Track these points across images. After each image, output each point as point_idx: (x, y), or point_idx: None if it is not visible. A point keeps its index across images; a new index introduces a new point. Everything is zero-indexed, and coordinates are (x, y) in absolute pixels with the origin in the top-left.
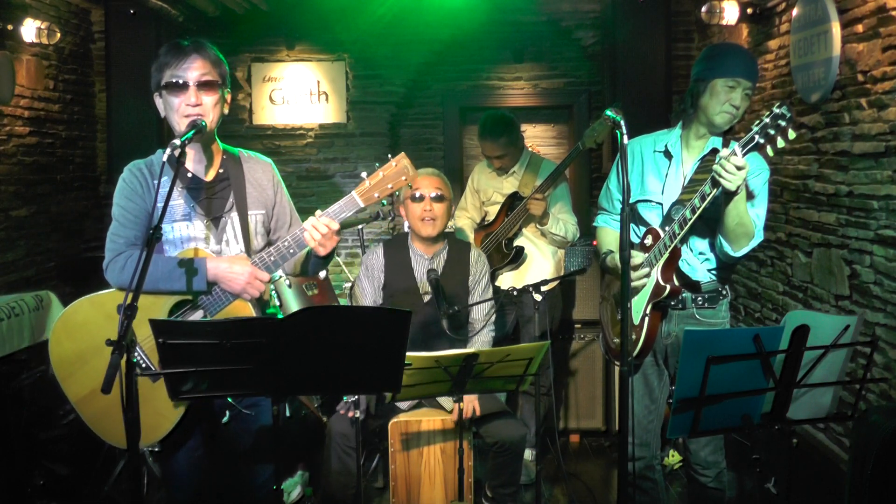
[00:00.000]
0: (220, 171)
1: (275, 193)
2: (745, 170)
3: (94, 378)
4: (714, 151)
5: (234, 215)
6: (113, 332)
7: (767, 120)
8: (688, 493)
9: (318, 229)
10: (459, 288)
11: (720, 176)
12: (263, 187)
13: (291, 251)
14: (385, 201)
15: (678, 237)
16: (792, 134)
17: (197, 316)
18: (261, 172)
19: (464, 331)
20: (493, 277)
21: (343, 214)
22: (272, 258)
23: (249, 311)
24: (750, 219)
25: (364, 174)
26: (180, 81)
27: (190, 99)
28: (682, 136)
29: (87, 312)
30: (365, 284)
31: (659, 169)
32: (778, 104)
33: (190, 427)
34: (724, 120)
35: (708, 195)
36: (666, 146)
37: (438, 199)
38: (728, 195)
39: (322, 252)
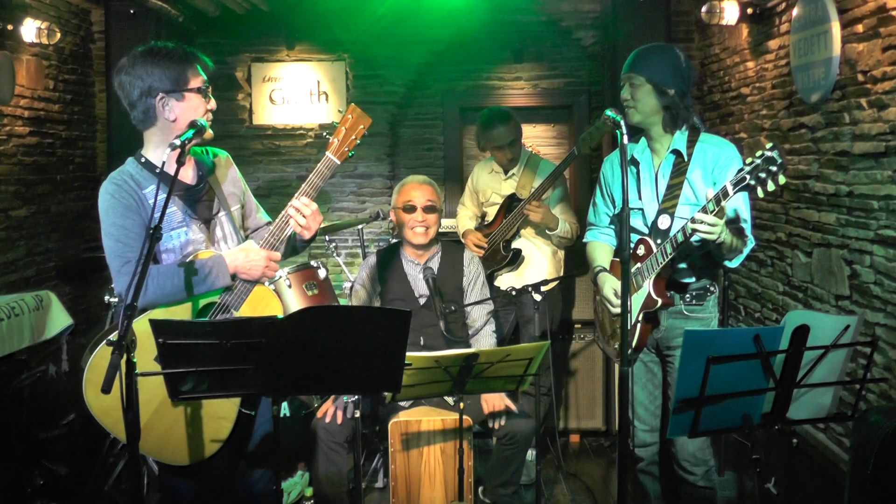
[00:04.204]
0: (199, 173)
1: (243, 184)
2: (722, 222)
3: (144, 416)
4: (676, 153)
5: (222, 215)
6: (145, 363)
7: (759, 162)
8: (679, 495)
9: (302, 211)
10: (455, 290)
11: (698, 232)
12: (235, 181)
13: (290, 225)
14: (348, 150)
15: (669, 257)
16: (782, 179)
17: (226, 316)
18: (227, 167)
19: (461, 332)
20: (491, 278)
21: (325, 178)
22: (274, 238)
23: (272, 294)
24: (739, 241)
25: (326, 134)
26: (204, 87)
27: (213, 104)
28: (647, 143)
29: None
30: (361, 294)
31: (631, 178)
32: (770, 146)
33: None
34: (631, 116)
35: (689, 235)
36: (632, 156)
37: (430, 209)
38: (715, 243)
39: (307, 235)
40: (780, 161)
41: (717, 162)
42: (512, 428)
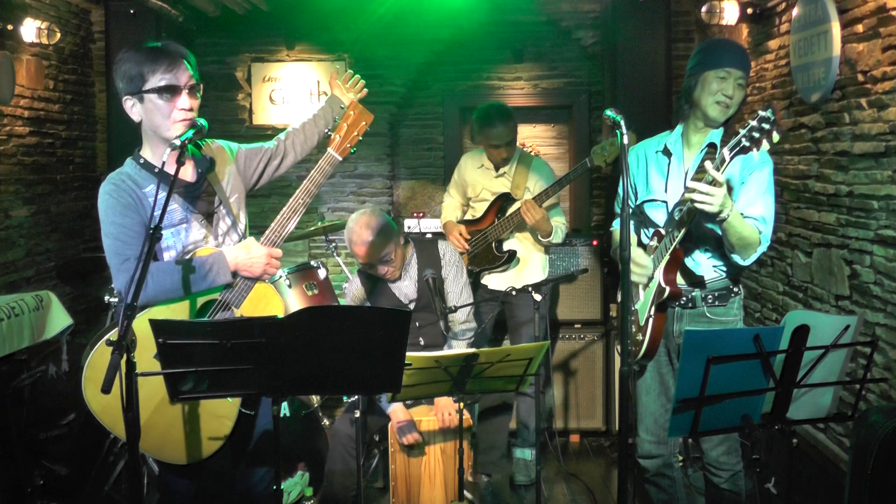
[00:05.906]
0: (198, 170)
1: (236, 162)
2: (723, 188)
3: (144, 414)
4: (712, 146)
5: (222, 209)
6: (147, 362)
7: (753, 123)
8: (705, 493)
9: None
10: (440, 284)
11: (694, 202)
12: (228, 169)
13: (292, 222)
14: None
15: (677, 240)
16: (776, 137)
17: (227, 314)
18: (221, 156)
19: (455, 328)
20: (480, 277)
21: (327, 175)
22: (276, 234)
23: (273, 291)
24: (751, 229)
25: (327, 131)
26: (177, 85)
27: (185, 103)
28: (682, 134)
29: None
30: None
31: (661, 168)
32: (763, 106)
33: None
34: (717, 111)
35: (694, 213)
36: (665, 145)
37: (387, 261)
38: (718, 219)
39: None
40: (772, 119)
41: (746, 163)
42: (485, 403)
